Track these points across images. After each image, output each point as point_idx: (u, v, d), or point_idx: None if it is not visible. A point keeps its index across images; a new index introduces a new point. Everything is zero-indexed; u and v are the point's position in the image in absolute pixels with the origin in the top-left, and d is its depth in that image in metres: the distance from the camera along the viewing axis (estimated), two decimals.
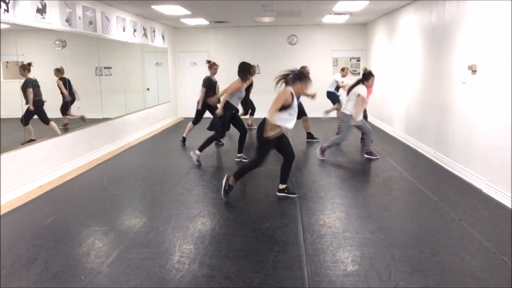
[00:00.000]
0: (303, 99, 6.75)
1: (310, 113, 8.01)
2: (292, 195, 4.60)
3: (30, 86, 5.30)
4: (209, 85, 7.04)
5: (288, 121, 4.30)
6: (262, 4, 7.60)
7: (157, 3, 7.28)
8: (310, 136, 7.94)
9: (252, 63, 12.18)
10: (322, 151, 6.41)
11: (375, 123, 9.94)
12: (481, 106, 4.85)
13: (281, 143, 4.46)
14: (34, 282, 2.86)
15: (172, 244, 3.45)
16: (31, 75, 5.32)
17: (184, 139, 7.63)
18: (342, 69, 9.14)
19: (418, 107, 7.03)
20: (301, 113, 7.45)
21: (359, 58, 11.34)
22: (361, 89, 5.98)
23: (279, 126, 4.23)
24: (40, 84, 5.49)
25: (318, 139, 7.90)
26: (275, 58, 11.28)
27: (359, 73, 11.39)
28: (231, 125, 6.23)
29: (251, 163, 4.52)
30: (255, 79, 11.07)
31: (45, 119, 5.64)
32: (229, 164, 6.23)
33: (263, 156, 4.40)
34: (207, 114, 7.13)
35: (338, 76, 9.03)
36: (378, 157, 6.39)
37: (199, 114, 7.22)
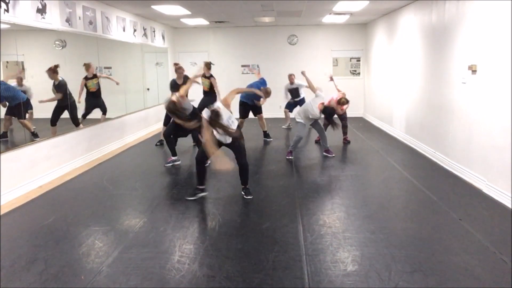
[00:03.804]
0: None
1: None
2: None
3: None
4: (175, 89, 6.71)
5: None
6: (262, 4, 7.60)
7: (157, 3, 7.28)
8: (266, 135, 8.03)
9: (252, 63, 12.18)
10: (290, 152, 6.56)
11: (375, 123, 9.94)
12: (481, 106, 4.85)
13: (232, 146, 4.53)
14: (34, 282, 2.86)
15: (172, 244, 3.45)
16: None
17: (161, 141, 7.62)
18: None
19: (418, 107, 7.03)
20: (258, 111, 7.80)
21: (359, 58, 11.34)
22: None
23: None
24: (40, 84, 5.54)
25: (271, 139, 8.00)
26: (275, 58, 11.28)
27: (359, 73, 11.40)
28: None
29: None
30: (255, 78, 11.14)
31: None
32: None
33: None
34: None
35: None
36: (334, 155, 6.58)
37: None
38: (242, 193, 4.63)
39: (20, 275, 2.96)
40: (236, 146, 4.52)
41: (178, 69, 7.07)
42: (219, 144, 4.48)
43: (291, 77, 8.94)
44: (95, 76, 6.88)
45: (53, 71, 5.81)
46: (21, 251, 3.33)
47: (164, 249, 3.35)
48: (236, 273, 2.95)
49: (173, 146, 6.05)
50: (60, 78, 5.96)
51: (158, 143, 7.64)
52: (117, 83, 7.58)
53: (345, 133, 7.65)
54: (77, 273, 2.98)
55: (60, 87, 5.98)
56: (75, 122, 6.31)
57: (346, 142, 7.62)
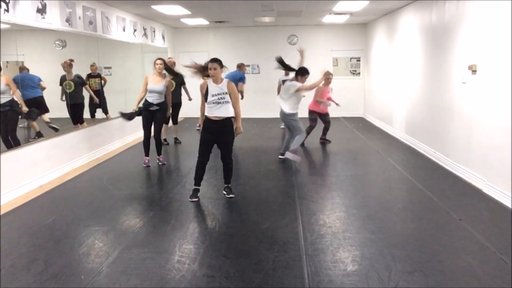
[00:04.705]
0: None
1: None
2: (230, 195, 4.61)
3: None
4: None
5: (210, 112, 4.33)
6: (262, 4, 7.60)
7: (157, 3, 7.28)
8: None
9: (252, 63, 12.18)
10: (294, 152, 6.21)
11: (375, 123, 9.94)
12: (481, 106, 4.85)
13: (221, 141, 4.46)
14: (34, 282, 2.86)
15: (172, 244, 3.45)
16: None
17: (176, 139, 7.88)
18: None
19: (418, 107, 7.03)
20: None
21: (359, 58, 11.34)
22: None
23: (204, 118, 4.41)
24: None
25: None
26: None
27: (359, 73, 11.40)
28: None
29: (197, 162, 4.55)
30: (255, 78, 11.17)
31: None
32: None
33: (199, 148, 4.45)
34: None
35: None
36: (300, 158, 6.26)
37: None
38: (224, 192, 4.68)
39: (20, 275, 2.96)
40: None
41: (168, 62, 7.37)
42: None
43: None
44: (98, 75, 7.02)
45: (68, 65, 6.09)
46: (21, 251, 3.33)
47: (164, 249, 3.34)
48: (236, 273, 2.95)
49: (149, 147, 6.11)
50: (73, 74, 6.21)
51: (177, 141, 7.83)
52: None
53: (324, 133, 7.56)
54: (77, 273, 2.98)
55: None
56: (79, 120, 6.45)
57: (323, 142, 7.57)
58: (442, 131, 5.96)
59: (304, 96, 6.18)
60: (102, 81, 7.19)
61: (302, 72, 6.02)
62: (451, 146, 5.66)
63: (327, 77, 7.02)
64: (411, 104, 7.37)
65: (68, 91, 6.13)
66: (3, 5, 4.56)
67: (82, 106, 6.55)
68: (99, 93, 7.10)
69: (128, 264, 3.09)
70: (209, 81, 4.35)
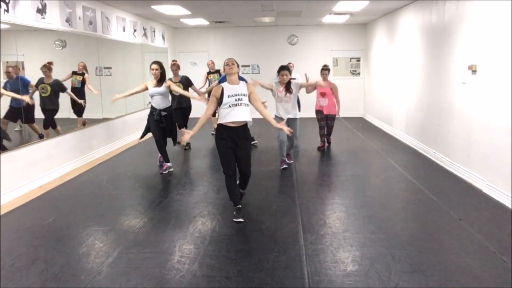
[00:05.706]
0: None
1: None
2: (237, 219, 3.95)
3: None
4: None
5: (226, 117, 3.82)
6: (262, 4, 7.60)
7: (157, 3, 7.28)
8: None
9: (252, 63, 12.21)
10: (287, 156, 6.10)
11: (375, 123, 9.94)
12: (481, 106, 4.85)
13: (240, 150, 3.92)
14: (34, 282, 2.86)
15: (172, 244, 3.45)
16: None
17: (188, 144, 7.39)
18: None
19: (418, 107, 7.03)
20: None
21: (359, 58, 11.34)
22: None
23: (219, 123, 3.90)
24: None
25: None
26: (275, 58, 11.26)
27: (359, 73, 11.40)
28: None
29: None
30: (255, 79, 11.16)
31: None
32: None
33: (221, 162, 3.96)
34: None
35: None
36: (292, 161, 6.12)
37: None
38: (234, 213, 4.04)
39: (20, 275, 2.96)
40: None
41: (173, 65, 7.18)
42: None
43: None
44: (82, 73, 6.71)
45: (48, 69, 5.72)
46: (21, 251, 3.33)
47: (164, 249, 3.35)
48: (236, 273, 2.95)
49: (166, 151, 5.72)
50: (52, 79, 5.82)
51: (187, 147, 7.34)
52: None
53: (329, 133, 7.18)
54: (77, 273, 2.98)
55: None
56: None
57: (328, 143, 7.29)
58: (442, 131, 5.96)
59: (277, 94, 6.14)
60: (86, 80, 6.73)
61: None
62: (451, 146, 5.66)
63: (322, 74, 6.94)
64: (411, 104, 7.37)
65: (43, 95, 5.74)
66: (3, 5, 4.56)
67: (54, 112, 6.02)
68: (78, 91, 6.64)
69: (128, 264, 3.09)
70: (225, 84, 3.89)
